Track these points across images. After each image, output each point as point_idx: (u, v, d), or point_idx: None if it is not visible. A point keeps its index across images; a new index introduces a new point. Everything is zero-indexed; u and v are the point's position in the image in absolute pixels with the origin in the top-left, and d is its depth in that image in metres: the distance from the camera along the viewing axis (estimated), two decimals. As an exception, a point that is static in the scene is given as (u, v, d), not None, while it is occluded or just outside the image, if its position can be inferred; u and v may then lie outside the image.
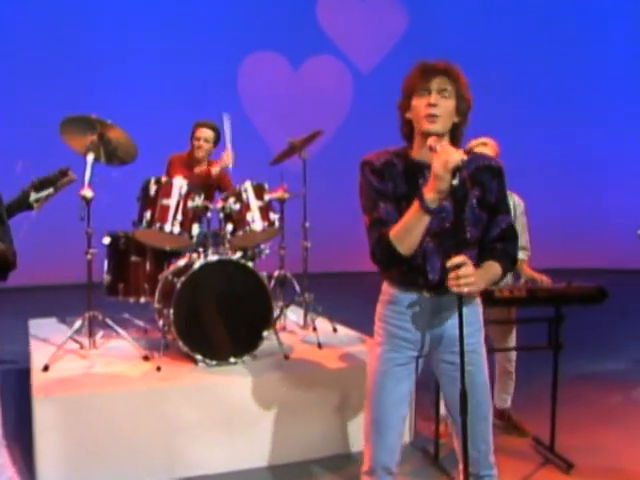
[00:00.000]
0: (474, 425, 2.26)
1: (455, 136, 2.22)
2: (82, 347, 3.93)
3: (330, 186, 8.93)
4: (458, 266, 2.02)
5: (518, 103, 9.95)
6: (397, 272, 2.24)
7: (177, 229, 3.78)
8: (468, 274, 2.02)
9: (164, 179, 3.83)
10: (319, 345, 4.14)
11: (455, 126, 2.19)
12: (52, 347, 3.89)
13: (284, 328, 4.62)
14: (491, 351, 4.03)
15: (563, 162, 10.30)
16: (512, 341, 3.92)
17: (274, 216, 4.03)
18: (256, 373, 3.64)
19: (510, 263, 2.30)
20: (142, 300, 4.17)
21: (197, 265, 3.68)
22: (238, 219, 3.93)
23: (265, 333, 3.80)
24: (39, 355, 3.83)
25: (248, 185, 3.99)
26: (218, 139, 4.66)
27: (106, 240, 4.18)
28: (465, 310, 2.19)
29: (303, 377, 3.70)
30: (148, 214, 3.74)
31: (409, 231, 2.08)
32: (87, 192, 3.75)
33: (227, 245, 3.97)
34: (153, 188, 3.78)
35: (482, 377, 2.30)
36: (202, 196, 3.92)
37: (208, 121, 4.65)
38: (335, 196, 8.50)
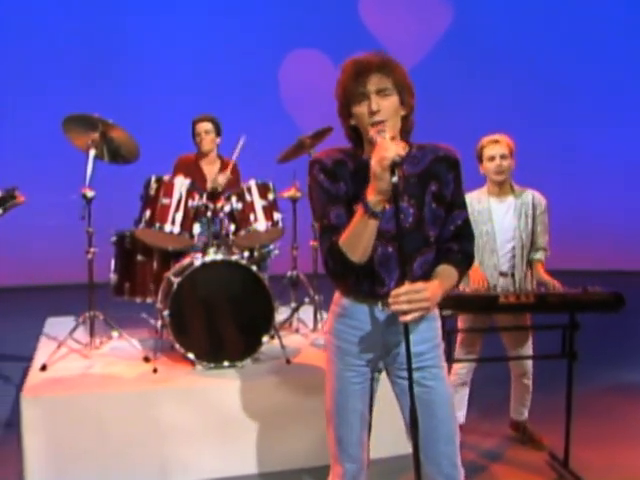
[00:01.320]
0: (437, 447, 2.09)
1: (405, 128, 2.04)
2: (85, 347, 3.90)
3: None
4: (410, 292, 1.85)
5: (569, 100, 9.57)
6: (351, 282, 2.06)
7: (177, 229, 3.71)
8: (421, 299, 1.85)
9: (165, 178, 3.77)
10: (325, 348, 3.99)
11: (404, 119, 2.02)
12: (61, 346, 3.85)
13: (297, 330, 4.51)
14: (503, 359, 3.84)
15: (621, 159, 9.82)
16: (527, 350, 3.68)
17: (278, 216, 3.91)
18: (253, 377, 3.54)
19: (468, 264, 2.12)
20: (148, 300, 4.12)
21: (194, 266, 3.61)
22: (241, 218, 3.83)
23: (265, 338, 3.70)
24: (42, 354, 3.84)
25: (252, 184, 3.89)
26: (219, 128, 4.63)
27: (113, 239, 4.16)
28: (423, 325, 2.08)
29: (301, 383, 3.56)
30: (148, 213, 3.69)
31: (358, 238, 1.91)
32: (88, 191, 3.73)
33: (231, 245, 3.89)
34: (153, 187, 3.72)
35: (445, 392, 2.11)
36: (204, 196, 3.85)
37: (204, 114, 4.63)
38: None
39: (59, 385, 3.40)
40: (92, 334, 3.86)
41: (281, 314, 4.42)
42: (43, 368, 3.57)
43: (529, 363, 3.74)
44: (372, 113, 1.92)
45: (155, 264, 4.12)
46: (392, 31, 9.81)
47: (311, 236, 4.53)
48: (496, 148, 3.51)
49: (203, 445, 3.38)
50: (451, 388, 2.18)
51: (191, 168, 4.54)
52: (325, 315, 4.43)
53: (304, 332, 4.52)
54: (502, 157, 3.51)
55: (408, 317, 1.85)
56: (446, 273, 2.04)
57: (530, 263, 3.65)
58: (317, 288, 4.50)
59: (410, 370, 1.89)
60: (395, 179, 1.80)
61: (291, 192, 4.44)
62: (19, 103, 8.01)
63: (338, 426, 2.16)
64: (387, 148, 1.81)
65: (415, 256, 2.04)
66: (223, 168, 4.62)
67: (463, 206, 2.11)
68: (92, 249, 3.80)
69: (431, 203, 2.04)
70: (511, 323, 3.60)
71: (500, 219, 3.58)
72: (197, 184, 3.91)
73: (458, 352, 3.66)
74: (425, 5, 9.79)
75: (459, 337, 3.66)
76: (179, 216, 3.70)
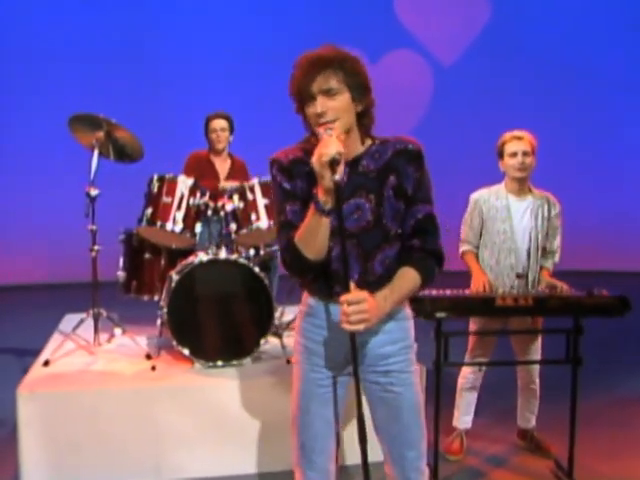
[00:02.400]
0: (401, 451, 2.06)
1: (364, 124, 1.98)
2: (90, 343, 3.94)
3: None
4: (350, 302, 1.80)
5: (609, 97, 9.27)
6: (314, 280, 2.02)
7: (178, 227, 3.72)
8: (361, 310, 1.79)
9: (168, 176, 3.78)
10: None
11: (360, 114, 1.95)
12: (66, 342, 3.94)
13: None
14: (505, 364, 3.73)
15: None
16: (536, 355, 3.56)
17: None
18: (251, 377, 3.52)
19: (434, 262, 2.01)
20: (155, 298, 4.14)
21: (193, 263, 3.61)
22: (243, 217, 3.81)
23: (263, 338, 3.67)
24: (49, 350, 3.89)
25: (255, 182, 3.87)
26: (233, 126, 4.66)
27: (121, 237, 4.20)
28: (392, 325, 2.02)
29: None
30: (149, 211, 3.71)
31: (311, 235, 1.87)
32: (92, 190, 3.77)
33: (235, 244, 3.88)
34: (155, 185, 3.75)
35: (412, 398, 2.05)
36: (207, 194, 3.85)
37: (219, 111, 4.65)
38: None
39: (57, 381, 3.44)
40: (96, 331, 3.89)
41: (288, 314, 4.38)
42: (46, 363, 3.62)
43: (536, 369, 3.61)
44: (318, 115, 1.87)
45: (162, 262, 4.15)
46: (430, 26, 9.70)
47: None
48: (519, 144, 3.40)
49: (199, 443, 3.37)
50: (420, 393, 2.10)
51: (203, 164, 4.57)
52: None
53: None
54: (524, 154, 3.39)
55: (346, 326, 1.81)
56: (403, 277, 1.97)
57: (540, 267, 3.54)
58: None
59: (357, 374, 1.85)
60: (337, 177, 1.75)
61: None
62: (26, 102, 8.10)
63: (301, 431, 2.10)
64: (327, 145, 1.77)
65: (375, 253, 1.99)
66: (234, 166, 4.62)
67: (426, 200, 2.01)
68: (96, 247, 3.84)
69: (391, 198, 1.98)
70: (519, 326, 3.49)
71: (518, 218, 3.46)
72: (200, 183, 3.90)
73: (468, 356, 3.57)
74: (462, 2, 9.63)
75: (471, 340, 3.56)
76: (180, 215, 3.72)
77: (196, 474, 3.35)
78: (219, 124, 4.61)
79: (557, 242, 3.56)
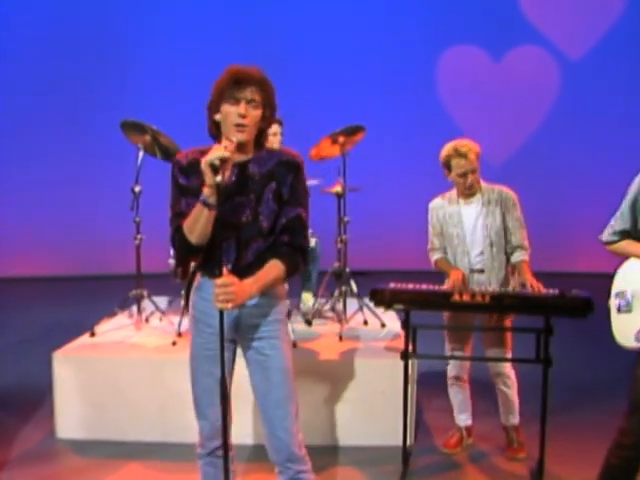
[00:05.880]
0: (270, 410, 2.39)
1: (260, 139, 2.38)
2: (136, 322, 4.51)
3: (539, 179, 8.78)
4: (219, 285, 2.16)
5: None
6: (203, 261, 2.39)
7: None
8: (228, 292, 2.15)
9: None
10: (340, 337, 4.21)
11: (260, 131, 2.35)
12: (116, 319, 4.59)
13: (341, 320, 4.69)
14: (478, 360, 3.72)
15: None
16: (503, 353, 3.55)
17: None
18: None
19: (301, 255, 2.37)
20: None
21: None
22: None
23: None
24: (105, 324, 4.52)
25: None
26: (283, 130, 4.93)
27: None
28: (264, 301, 2.38)
29: (301, 365, 3.79)
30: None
31: (195, 223, 2.24)
32: (136, 187, 4.35)
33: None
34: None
35: (281, 361, 2.38)
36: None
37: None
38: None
39: (92, 348, 4.05)
40: (139, 310, 4.46)
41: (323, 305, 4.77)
42: (92, 334, 4.25)
43: (506, 366, 3.60)
44: (241, 116, 2.24)
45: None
46: (557, 20, 9.35)
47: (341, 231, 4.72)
48: (466, 164, 3.40)
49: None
50: (290, 359, 2.40)
51: None
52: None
53: (330, 321, 4.71)
54: (471, 172, 3.42)
55: (216, 304, 2.17)
56: (269, 267, 2.32)
57: (511, 263, 3.53)
58: (346, 281, 4.67)
59: (222, 342, 2.21)
60: (218, 178, 2.12)
61: (336, 188, 4.65)
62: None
63: (194, 387, 2.48)
64: (213, 151, 2.15)
65: (250, 244, 2.34)
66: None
67: (298, 204, 2.37)
68: (139, 236, 4.41)
69: (269, 200, 2.33)
70: (492, 324, 3.51)
71: (470, 221, 3.52)
72: None
73: (446, 348, 3.66)
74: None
75: (446, 333, 3.66)
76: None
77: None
78: (275, 129, 4.95)
79: (520, 234, 3.51)
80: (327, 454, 3.67)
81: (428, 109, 9.29)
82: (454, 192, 3.57)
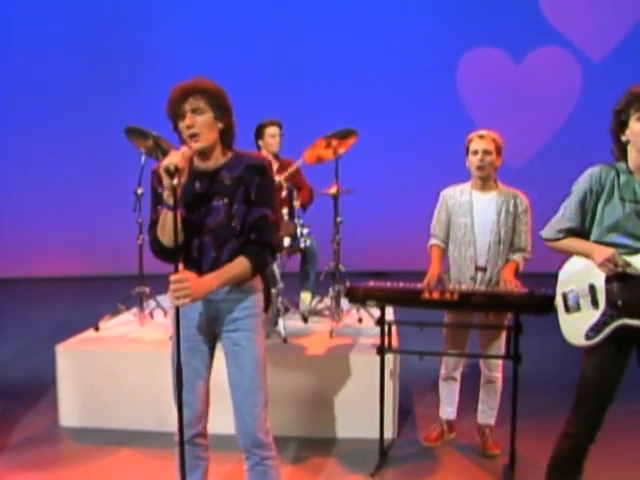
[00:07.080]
0: (240, 397, 2.56)
1: (225, 140, 2.54)
2: (139, 318, 4.74)
3: (559, 180, 8.56)
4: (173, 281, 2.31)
5: None
6: (183, 262, 2.57)
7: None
8: (181, 288, 2.31)
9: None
10: (331, 334, 4.36)
11: (223, 131, 2.51)
12: (121, 315, 4.83)
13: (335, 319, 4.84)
14: (459, 356, 3.81)
15: None
16: (497, 351, 3.65)
17: (285, 211, 4.34)
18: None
19: (269, 252, 2.53)
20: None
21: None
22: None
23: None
24: (112, 320, 4.77)
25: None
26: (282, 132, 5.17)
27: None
28: (240, 296, 2.55)
29: (288, 360, 4.01)
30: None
31: (163, 225, 2.44)
32: (138, 189, 4.58)
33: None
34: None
35: (254, 352, 2.55)
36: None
37: (274, 119, 5.17)
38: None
39: (94, 342, 4.28)
40: (142, 307, 4.69)
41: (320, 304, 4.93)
42: (97, 329, 4.49)
43: (496, 364, 3.70)
44: (187, 127, 2.44)
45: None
46: (578, 21, 9.32)
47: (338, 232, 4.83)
48: (481, 143, 3.56)
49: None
50: (263, 351, 2.56)
51: None
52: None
53: (326, 319, 4.86)
54: (485, 152, 3.54)
55: (172, 300, 2.34)
56: (233, 263, 2.49)
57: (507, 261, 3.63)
58: (339, 280, 4.78)
59: (177, 335, 2.39)
60: (175, 182, 2.28)
61: (333, 189, 4.79)
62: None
63: (174, 375, 2.61)
64: (169, 156, 2.34)
65: (225, 244, 2.52)
66: (281, 169, 5.14)
67: (264, 204, 2.52)
68: (141, 236, 4.64)
69: (240, 202, 2.51)
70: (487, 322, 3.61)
71: (480, 213, 3.60)
72: None
73: (444, 347, 3.77)
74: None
75: (444, 333, 3.77)
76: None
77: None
78: (275, 131, 5.15)
79: (525, 238, 3.61)
80: (310, 446, 3.83)
81: (449, 110, 9.34)
82: (468, 184, 3.67)
